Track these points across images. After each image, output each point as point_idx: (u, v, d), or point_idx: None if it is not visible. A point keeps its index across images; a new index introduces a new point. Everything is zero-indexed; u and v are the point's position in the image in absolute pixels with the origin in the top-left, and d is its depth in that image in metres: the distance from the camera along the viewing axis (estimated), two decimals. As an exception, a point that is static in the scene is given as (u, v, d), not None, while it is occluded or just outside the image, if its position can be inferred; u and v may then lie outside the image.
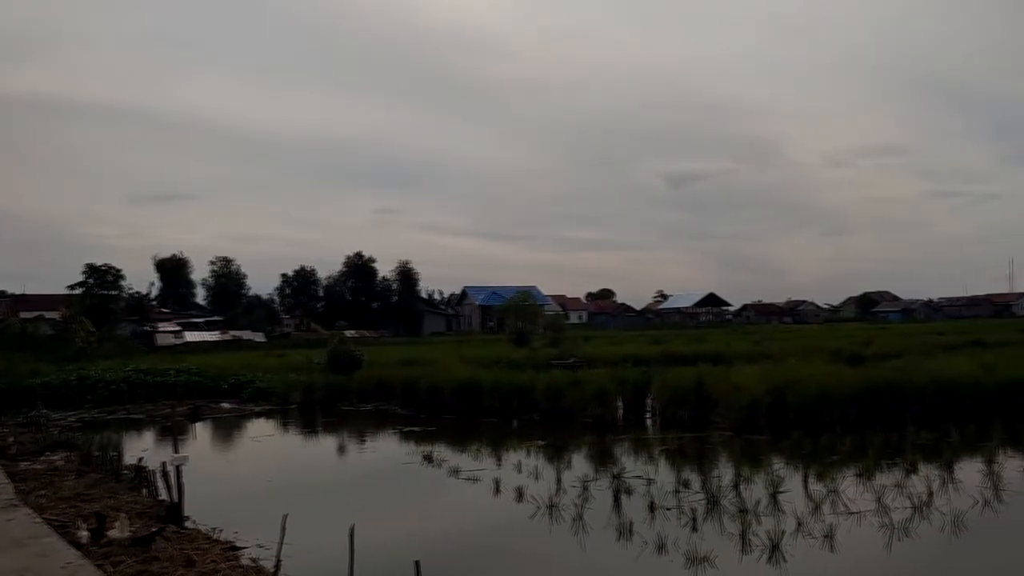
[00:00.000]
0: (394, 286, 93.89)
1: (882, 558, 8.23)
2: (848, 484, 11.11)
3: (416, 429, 19.18)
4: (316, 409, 23.91)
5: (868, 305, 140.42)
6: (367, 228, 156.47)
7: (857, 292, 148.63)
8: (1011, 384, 18.06)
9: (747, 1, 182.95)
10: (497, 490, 11.74)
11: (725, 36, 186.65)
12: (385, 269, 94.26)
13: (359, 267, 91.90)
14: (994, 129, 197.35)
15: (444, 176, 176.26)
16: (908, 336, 42.73)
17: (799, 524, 9.12)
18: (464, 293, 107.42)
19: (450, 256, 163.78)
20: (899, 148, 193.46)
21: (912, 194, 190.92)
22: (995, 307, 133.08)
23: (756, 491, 10.79)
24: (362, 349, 30.53)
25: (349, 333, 50.77)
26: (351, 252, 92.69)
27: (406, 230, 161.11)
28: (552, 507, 10.44)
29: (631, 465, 13.34)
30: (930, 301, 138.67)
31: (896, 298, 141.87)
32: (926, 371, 18.45)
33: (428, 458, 14.62)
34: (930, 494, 10.26)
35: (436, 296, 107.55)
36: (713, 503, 10.28)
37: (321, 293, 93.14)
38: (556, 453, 15.12)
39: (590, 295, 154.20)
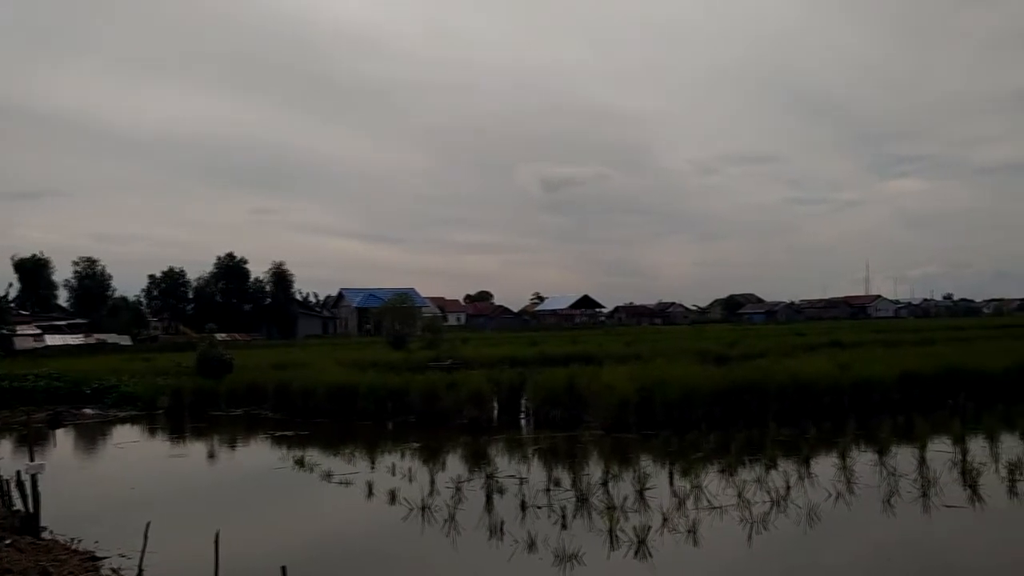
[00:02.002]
0: (267, 288, 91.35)
1: (742, 550, 8.52)
2: (712, 480, 11.48)
3: (289, 434, 18.66)
4: (184, 414, 22.94)
5: (734, 307, 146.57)
6: (242, 228, 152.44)
7: (724, 295, 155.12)
8: (864, 382, 19.18)
9: (625, 11, 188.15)
10: (370, 493, 11.55)
11: (604, 44, 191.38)
12: (259, 270, 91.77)
13: (231, 268, 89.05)
14: (856, 140, 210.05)
15: (323, 176, 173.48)
16: (770, 337, 44.74)
17: (664, 519, 9.35)
18: (341, 295, 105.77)
19: (328, 258, 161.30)
20: (766, 157, 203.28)
21: (778, 201, 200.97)
22: (852, 309, 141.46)
23: (624, 488, 11.02)
24: (233, 352, 29.54)
25: (220, 336, 49.08)
26: (224, 253, 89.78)
27: (283, 231, 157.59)
28: (425, 509, 10.35)
29: (505, 465, 13.39)
30: (792, 303, 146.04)
31: (760, 300, 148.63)
32: (786, 370, 19.33)
33: (300, 463, 14.24)
34: (788, 488, 10.72)
35: (312, 298, 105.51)
36: (583, 501, 10.43)
37: (191, 295, 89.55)
38: (431, 455, 15.05)
39: (468, 297, 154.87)
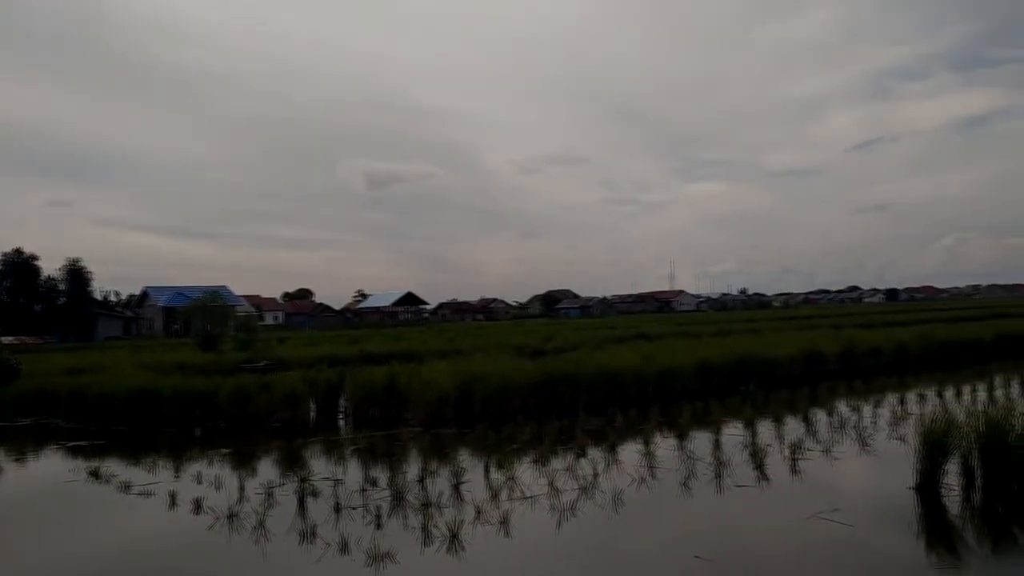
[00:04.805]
0: (61, 286, 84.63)
1: (552, 537, 8.83)
2: (525, 470, 11.82)
3: (84, 443, 17.36)
4: (-39, 427, 20.82)
5: (552, 303, 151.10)
6: (36, 222, 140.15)
7: (543, 291, 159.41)
8: (667, 372, 20.33)
9: (449, 11, 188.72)
10: (173, 503, 10.97)
11: (428, 43, 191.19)
12: (52, 267, 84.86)
13: (18, 265, 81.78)
14: (665, 145, 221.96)
15: (127, 167, 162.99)
16: (584, 331, 46.44)
17: (478, 512, 9.53)
18: (145, 294, 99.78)
19: (132, 254, 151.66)
20: (582, 158, 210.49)
21: (592, 201, 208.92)
22: (659, 303, 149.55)
23: (440, 484, 11.11)
24: (20, 357, 27.11)
25: (6, 339, 45.19)
26: (11, 248, 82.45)
27: (82, 225, 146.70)
28: (232, 516, 9.96)
29: (320, 467, 13.15)
30: (605, 299, 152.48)
31: (576, 296, 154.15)
32: (596, 362, 20.16)
33: (95, 474, 13.31)
34: (595, 475, 11.24)
35: (113, 297, 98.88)
36: (399, 499, 10.42)
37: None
38: (241, 461, 14.49)
39: (287, 295, 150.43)
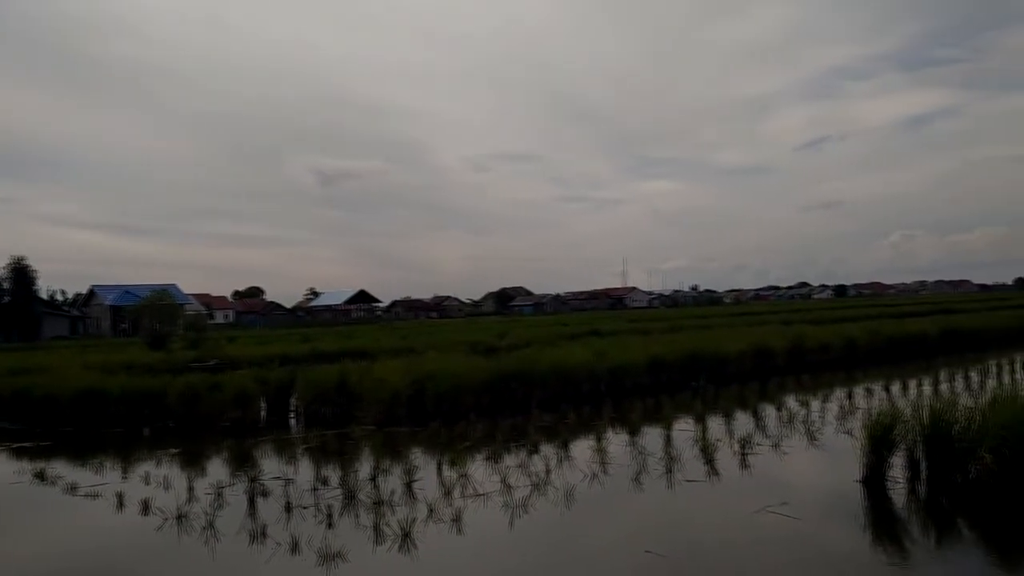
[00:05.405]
0: (5, 285, 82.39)
1: (504, 534, 8.84)
2: (478, 468, 11.81)
3: (28, 445, 16.93)
4: None
5: (505, 300, 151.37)
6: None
7: (496, 288, 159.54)
8: (619, 368, 20.50)
9: (400, 7, 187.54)
10: (120, 504, 10.75)
11: (380, 40, 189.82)
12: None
13: (-42, 264, 79.39)
14: (618, 143, 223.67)
15: (74, 164, 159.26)
16: (537, 328, 46.61)
17: (430, 510, 9.49)
18: (92, 292, 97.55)
19: (78, 252, 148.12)
20: (535, 155, 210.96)
21: (545, 198, 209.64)
22: (611, 300, 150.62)
23: (392, 482, 11.05)
24: (-42, 358, 26.36)
25: (-57, 340, 43.84)
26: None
27: (26, 222, 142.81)
28: (181, 517, 9.79)
29: (271, 467, 12.98)
30: (558, 296, 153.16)
31: (530, 293, 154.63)
32: (549, 359, 20.21)
33: (40, 476, 12.98)
34: (548, 472, 11.27)
35: (59, 296, 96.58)
36: (350, 498, 10.34)
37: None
38: (190, 461, 14.27)
39: (237, 293, 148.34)
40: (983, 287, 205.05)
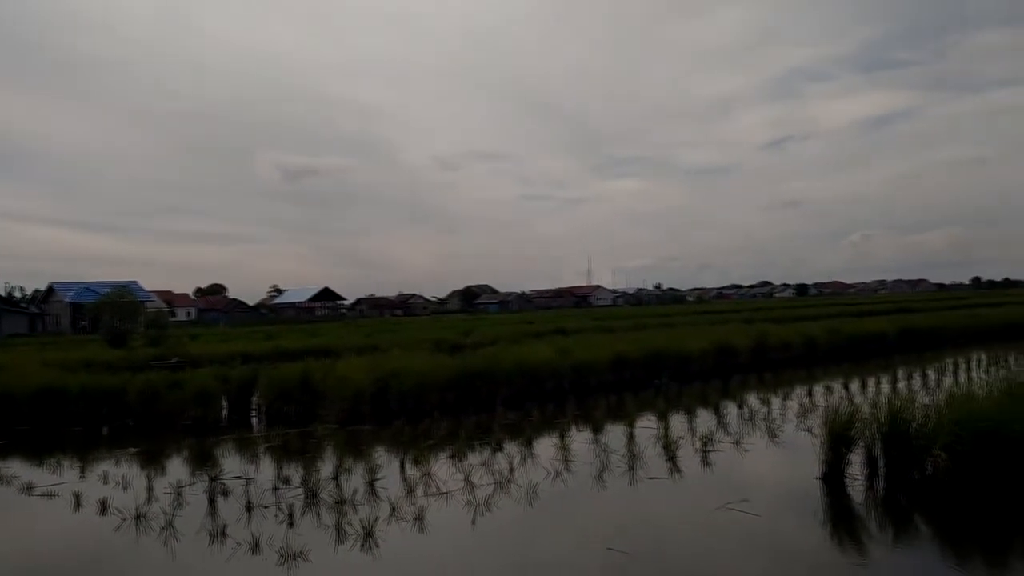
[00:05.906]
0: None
1: (467, 532, 8.83)
2: (441, 466, 11.78)
3: (-19, 445, 16.59)
4: None
5: (471, 298, 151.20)
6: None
7: (462, 286, 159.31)
8: (583, 366, 20.59)
9: (367, 6, 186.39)
10: (78, 504, 10.58)
11: (347, 38, 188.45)
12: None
13: (-91, 259, 77.50)
14: (583, 142, 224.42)
15: (32, 160, 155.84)
16: (502, 326, 46.59)
17: (393, 509, 9.46)
18: (51, 289, 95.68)
19: (38, 249, 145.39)
20: (501, 154, 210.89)
21: (511, 197, 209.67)
22: (576, 298, 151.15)
23: (355, 481, 11.00)
24: (-92, 356, 25.72)
25: None
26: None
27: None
28: (140, 517, 9.64)
29: (232, 466, 12.84)
30: (523, 293, 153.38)
31: (495, 291, 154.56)
32: (514, 357, 20.21)
33: (-6, 476, 12.75)
34: (511, 470, 11.29)
35: (17, 293, 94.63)
36: (312, 497, 10.26)
37: None
38: (150, 460, 14.05)
39: (199, 291, 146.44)
40: (940, 286, 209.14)
